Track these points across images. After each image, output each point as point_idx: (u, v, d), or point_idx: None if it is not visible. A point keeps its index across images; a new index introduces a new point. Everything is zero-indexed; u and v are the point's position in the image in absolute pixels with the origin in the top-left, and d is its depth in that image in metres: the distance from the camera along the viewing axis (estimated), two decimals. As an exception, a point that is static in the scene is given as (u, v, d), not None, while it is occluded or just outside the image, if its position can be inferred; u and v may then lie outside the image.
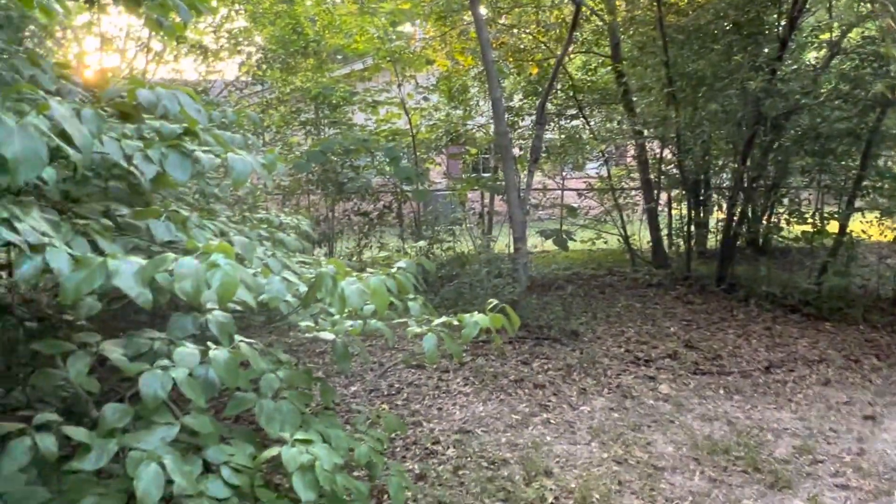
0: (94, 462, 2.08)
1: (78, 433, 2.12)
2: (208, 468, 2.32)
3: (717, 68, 7.77)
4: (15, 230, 1.74)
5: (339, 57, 11.92)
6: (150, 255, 2.18)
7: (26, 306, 3.47)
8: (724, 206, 8.77)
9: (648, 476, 3.91)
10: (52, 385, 2.96)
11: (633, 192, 10.56)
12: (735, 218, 8.47)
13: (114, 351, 2.41)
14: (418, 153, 9.70)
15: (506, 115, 7.93)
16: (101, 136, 2.15)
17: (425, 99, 9.91)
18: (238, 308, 2.96)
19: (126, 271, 1.83)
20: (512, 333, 3.28)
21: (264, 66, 9.58)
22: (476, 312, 3.12)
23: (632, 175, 10.80)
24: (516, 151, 9.72)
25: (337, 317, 3.33)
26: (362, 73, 10.49)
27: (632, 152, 10.72)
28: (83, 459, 2.08)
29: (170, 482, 2.08)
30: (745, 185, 8.20)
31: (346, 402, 4.99)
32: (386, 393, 5.25)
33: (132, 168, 2.95)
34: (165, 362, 2.34)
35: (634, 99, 9.71)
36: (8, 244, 1.70)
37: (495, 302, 3.25)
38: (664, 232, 10.06)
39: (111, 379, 2.80)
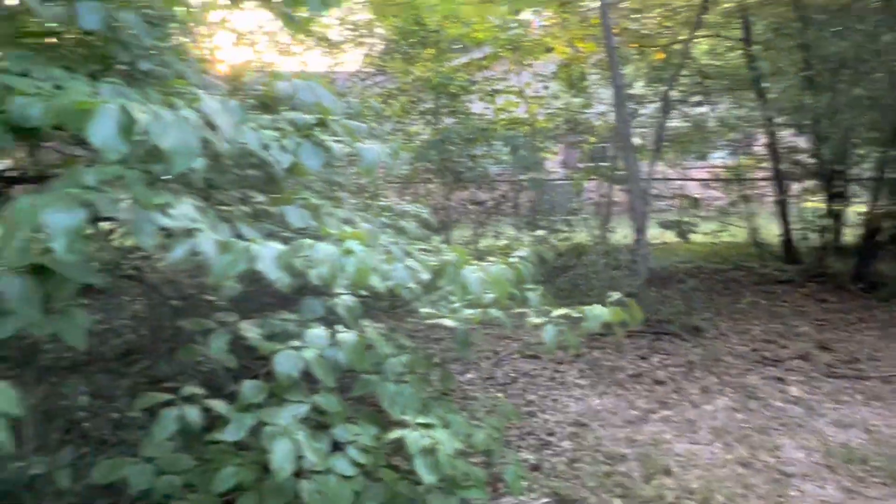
0: (233, 434, 2.22)
1: (219, 407, 2.27)
2: (335, 446, 2.42)
3: (862, 50, 7.21)
4: (170, 216, 1.87)
5: (458, 46, 12.00)
6: (284, 241, 2.30)
7: (170, 286, 3.74)
8: (865, 198, 8.17)
9: (776, 481, 3.72)
10: (194, 360, 3.18)
11: (762, 183, 10.02)
12: (878, 211, 7.87)
13: (250, 330, 2.56)
14: (536, 142, 9.62)
15: (627, 103, 7.72)
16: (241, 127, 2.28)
17: (545, 87, 9.80)
18: (363, 293, 3.07)
19: (267, 256, 1.93)
20: (634, 327, 3.21)
21: (386, 57, 9.79)
22: (597, 305, 3.08)
23: (760, 165, 10.25)
24: (637, 140, 9.45)
25: (456, 304, 3.38)
26: (481, 62, 10.50)
27: (761, 141, 10.17)
28: (224, 431, 2.23)
29: (301, 457, 2.19)
30: (891, 175, 7.60)
31: (462, 389, 5.05)
32: (501, 382, 5.27)
33: (268, 157, 3.10)
34: (297, 343, 2.46)
35: (766, 84, 9.19)
36: (162, 229, 1.83)
37: (616, 294, 3.18)
38: (796, 225, 9.50)
39: (246, 356, 2.96)
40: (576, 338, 3.13)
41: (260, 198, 3.02)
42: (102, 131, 1.64)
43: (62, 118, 1.83)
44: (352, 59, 11.66)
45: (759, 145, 10.81)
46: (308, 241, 2.03)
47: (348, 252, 1.98)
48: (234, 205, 2.68)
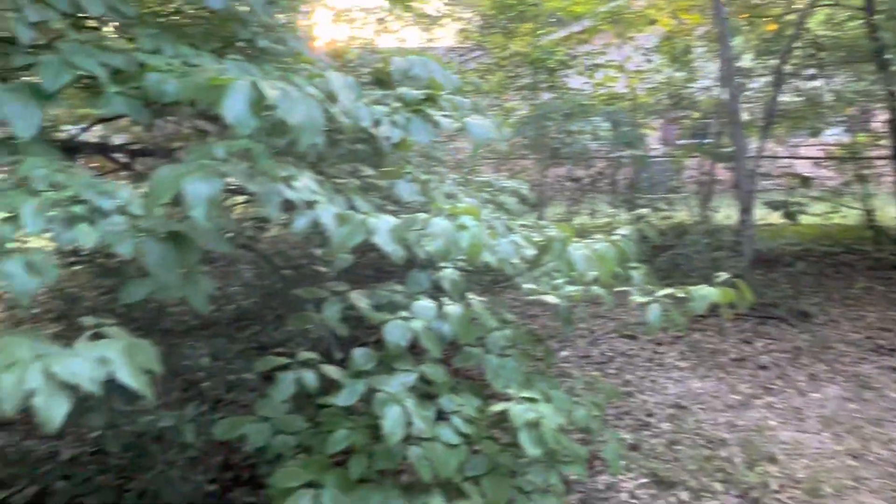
0: (346, 399, 2.31)
1: (333, 372, 2.36)
2: (440, 416, 2.48)
3: None
4: (293, 188, 1.95)
5: (556, 20, 11.78)
6: (392, 215, 2.35)
7: (281, 257, 3.90)
8: None
9: (890, 475, 3.55)
10: (303, 327, 3.32)
11: (880, 162, 9.40)
12: None
13: (360, 300, 2.64)
14: (637, 118, 9.38)
15: (735, 77, 7.39)
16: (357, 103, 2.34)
17: (647, 61, 9.51)
18: (466, 268, 3.10)
19: (383, 228, 1.99)
20: (738, 310, 3.11)
21: (483, 32, 9.73)
22: (703, 285, 3.00)
23: (878, 142, 9.60)
24: (745, 116, 9.04)
25: (558, 281, 3.37)
26: (580, 35, 10.28)
27: (880, 117, 9.52)
28: (337, 396, 2.32)
29: (410, 424, 2.26)
30: None
31: (558, 367, 5.05)
32: (597, 361, 5.24)
33: (377, 132, 3.17)
34: (405, 314, 2.53)
35: (889, 56, 8.57)
36: (285, 201, 1.91)
37: (724, 275, 3.09)
38: (917, 207, 8.89)
39: (354, 326, 3.06)
40: (682, 318, 3.06)
41: (368, 171, 3.10)
42: (235, 106, 1.72)
43: (196, 94, 1.93)
44: (448, 35, 11.66)
45: (878, 122, 10.13)
46: (422, 215, 2.07)
47: (462, 227, 2.01)
48: (345, 178, 2.76)
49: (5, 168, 2.33)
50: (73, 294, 3.47)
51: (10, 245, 1.77)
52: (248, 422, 2.48)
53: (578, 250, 2.69)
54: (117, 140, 4.66)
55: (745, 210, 6.87)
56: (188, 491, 2.89)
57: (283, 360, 2.42)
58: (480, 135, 2.65)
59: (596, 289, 3.26)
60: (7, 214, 1.80)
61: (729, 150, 7.69)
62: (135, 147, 3.92)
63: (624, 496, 3.44)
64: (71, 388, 1.54)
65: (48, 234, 1.77)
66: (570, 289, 3.27)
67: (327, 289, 2.70)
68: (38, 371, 1.50)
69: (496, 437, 3.04)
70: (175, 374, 3.08)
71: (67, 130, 3.79)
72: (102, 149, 3.74)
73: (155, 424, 2.70)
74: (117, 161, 3.79)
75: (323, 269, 3.31)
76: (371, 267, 3.95)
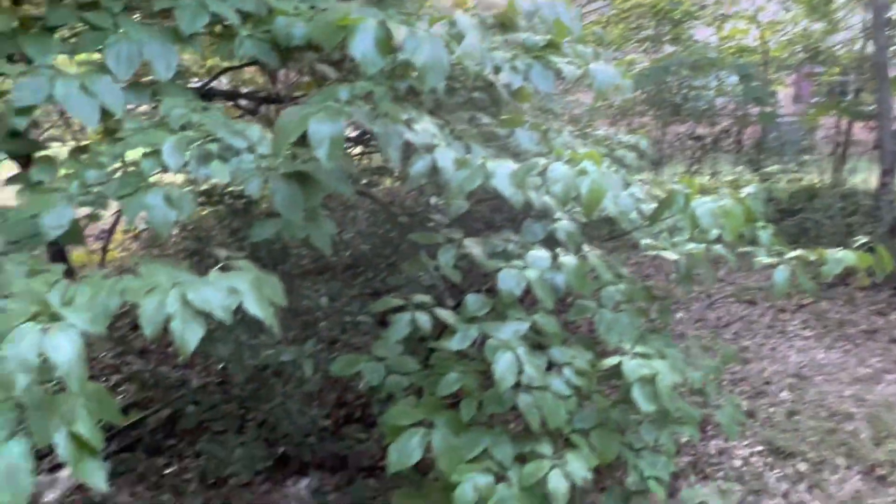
0: (458, 343, 2.34)
1: (447, 316, 2.39)
2: (550, 366, 2.47)
3: None
4: (413, 131, 1.95)
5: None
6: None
7: (397, 206, 3.96)
8: None
9: None
10: (416, 274, 3.37)
11: None
12: None
13: (475, 247, 2.64)
14: (767, 72, 8.80)
15: (886, 28, 6.76)
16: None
17: (785, 10, 8.86)
18: (581, 220, 3.04)
19: (502, 173, 1.97)
20: (877, 279, 2.90)
21: (605, -19, 9.35)
22: (839, 249, 2.81)
23: None
24: (893, 72, 8.30)
25: (678, 238, 3.25)
26: (709, -17, 9.69)
27: None
28: (450, 339, 2.35)
29: (521, 371, 2.26)
30: None
31: (672, 329, 4.90)
32: (713, 325, 5.05)
33: (496, 79, 3.12)
34: (519, 263, 2.51)
35: None
36: (405, 144, 1.92)
37: (861, 239, 2.89)
38: None
39: (466, 273, 3.08)
40: (811, 283, 2.88)
41: (485, 120, 3.07)
42: (363, 45, 1.73)
43: (324, 35, 1.96)
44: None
45: None
46: (541, 160, 2.03)
47: (583, 172, 1.95)
48: (462, 125, 2.74)
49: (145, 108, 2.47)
50: (202, 234, 3.68)
51: (150, 179, 1.88)
52: (363, 360, 2.56)
53: (703, 205, 2.56)
54: (243, 90, 4.85)
55: (887, 173, 6.34)
56: (304, 424, 3.04)
57: (400, 302, 2.47)
58: (605, 82, 2.55)
59: (718, 248, 3.12)
60: (148, 150, 1.92)
61: (871, 108, 7.10)
62: (260, 95, 4.07)
63: (737, 462, 3.33)
64: (204, 316, 1.63)
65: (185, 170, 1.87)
66: (691, 246, 3.14)
67: (442, 236, 2.71)
68: (176, 297, 1.59)
69: (606, 393, 3.01)
70: (295, 313, 3.21)
71: (196, 82, 3.98)
72: (230, 96, 3.90)
73: (276, 358, 2.84)
74: (243, 108, 3.95)
75: (437, 217, 3.33)
76: (483, 218, 3.95)
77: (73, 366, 1.45)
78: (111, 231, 3.61)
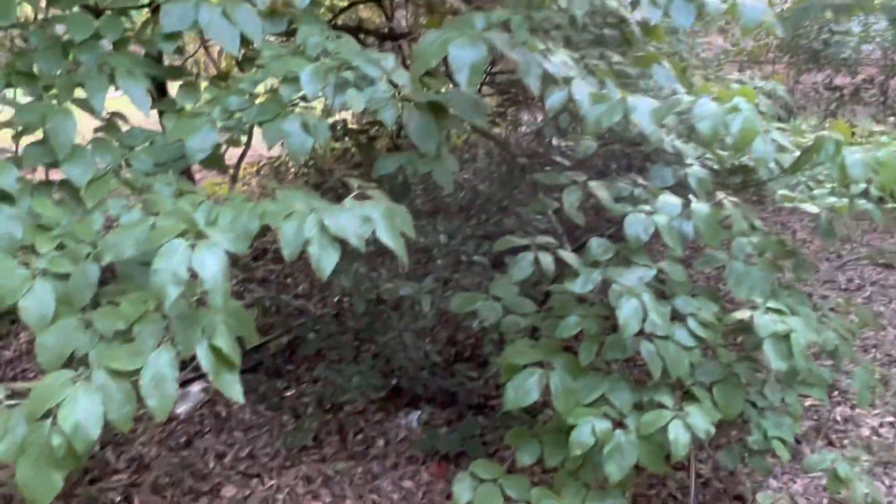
0: (581, 286, 2.28)
1: (570, 258, 2.34)
2: (674, 316, 2.38)
3: None
4: (550, 62, 1.88)
5: None
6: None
7: (518, 146, 3.89)
8: None
9: None
10: (532, 216, 3.32)
11: None
12: None
13: (600, 190, 2.56)
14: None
15: None
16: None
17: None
18: (713, 167, 2.89)
19: (643, 109, 1.87)
20: None
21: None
22: None
23: None
24: None
25: (816, 191, 3.04)
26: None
27: None
28: (572, 282, 2.30)
29: (644, 319, 2.19)
30: None
31: (800, 288, 4.64)
32: (843, 287, 4.73)
33: (630, 15, 2.97)
34: (647, 208, 2.41)
35: None
36: (544, 74, 1.86)
37: None
38: None
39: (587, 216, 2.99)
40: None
41: (616, 58, 2.94)
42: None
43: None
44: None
45: None
46: (686, 97, 1.92)
47: (734, 110, 1.83)
48: (594, 61, 2.63)
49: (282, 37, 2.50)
50: (327, 167, 3.76)
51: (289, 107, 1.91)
52: (481, 299, 2.56)
53: (854, 155, 2.37)
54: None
55: None
56: (418, 358, 3.10)
57: (523, 242, 2.44)
58: (752, 19, 2.36)
59: (863, 203, 2.90)
60: (286, 78, 1.94)
61: None
62: (384, 31, 4.08)
63: (865, 431, 3.15)
64: (339, 242, 1.65)
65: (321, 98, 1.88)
66: (833, 199, 2.93)
67: (566, 177, 2.64)
68: (313, 223, 1.62)
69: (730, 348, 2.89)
70: (412, 249, 3.23)
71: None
72: (355, 31, 3.92)
73: (394, 293, 2.89)
74: (366, 45, 3.97)
75: (558, 159, 3.25)
76: (597, 165, 3.82)
77: (218, 282, 1.51)
78: (238, 163, 3.73)
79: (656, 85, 2.75)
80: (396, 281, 2.96)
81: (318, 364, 3.31)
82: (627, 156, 3.52)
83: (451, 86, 2.06)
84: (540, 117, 4.82)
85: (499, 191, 4.01)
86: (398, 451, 3.06)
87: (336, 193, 3.07)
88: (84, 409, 1.44)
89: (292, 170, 4.66)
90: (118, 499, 2.76)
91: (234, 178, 3.70)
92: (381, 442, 3.11)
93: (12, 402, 1.50)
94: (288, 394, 3.32)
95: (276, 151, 4.57)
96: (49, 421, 1.42)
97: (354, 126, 3.53)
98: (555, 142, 3.43)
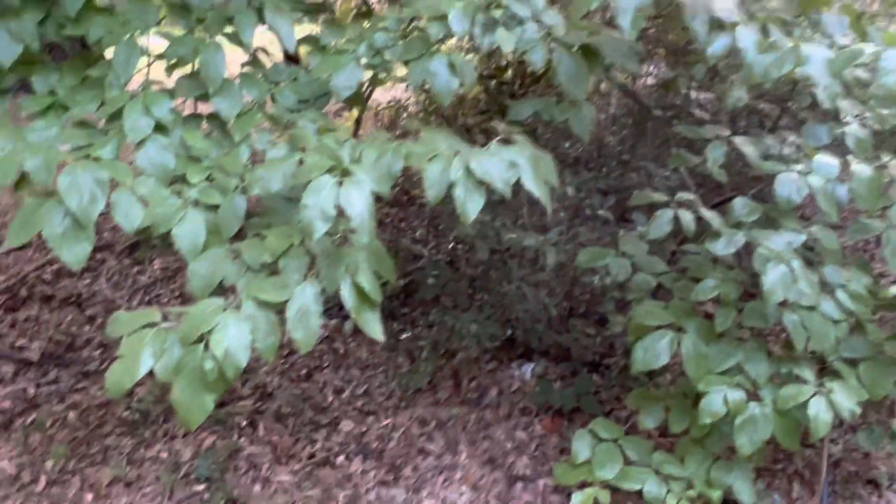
0: (723, 248, 2.15)
1: (712, 218, 2.21)
2: (822, 287, 2.22)
3: None
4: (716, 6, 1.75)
5: None
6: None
7: (653, 99, 3.71)
8: None
9: None
10: (663, 173, 3.18)
11: None
12: None
13: (746, 146, 2.39)
14: None
15: None
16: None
17: None
18: (876, 126, 2.64)
19: (818, 58, 1.71)
20: None
21: None
22: None
23: None
24: None
25: None
26: None
27: None
28: (713, 243, 2.18)
29: (791, 287, 2.05)
30: None
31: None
32: None
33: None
34: (800, 167, 2.24)
35: None
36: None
37: None
38: None
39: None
40: None
41: (774, 2, 2.71)
42: None
43: None
44: None
45: None
46: (869, 46, 1.74)
47: (925, 63, 1.65)
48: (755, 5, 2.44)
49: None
50: (452, 114, 3.71)
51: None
52: (611, 254, 2.48)
53: None
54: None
55: None
56: (536, 311, 3.06)
57: (662, 198, 2.32)
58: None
59: None
60: (434, 16, 1.89)
61: None
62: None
63: None
64: (483, 186, 1.61)
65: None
66: None
67: (709, 131, 2.48)
68: (459, 165, 1.59)
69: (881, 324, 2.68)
70: (531, 199, 3.16)
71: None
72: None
73: (518, 243, 2.84)
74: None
75: (696, 112, 3.07)
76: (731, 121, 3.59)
77: (364, 219, 1.51)
78: (364, 104, 3.74)
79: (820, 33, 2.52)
80: (519, 231, 2.91)
81: (432, 309, 3.32)
82: (759, 112, 3.28)
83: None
84: (663, 67, 4.57)
85: (625, 144, 3.86)
86: (511, 401, 3.05)
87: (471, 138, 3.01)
88: (234, 336, 1.48)
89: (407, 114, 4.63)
90: (244, 423, 2.89)
91: (357, 123, 3.73)
92: (494, 391, 3.12)
93: (167, 324, 1.57)
94: (403, 336, 3.36)
95: (391, 95, 4.55)
96: (201, 345, 1.48)
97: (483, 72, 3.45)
98: (692, 94, 3.23)
